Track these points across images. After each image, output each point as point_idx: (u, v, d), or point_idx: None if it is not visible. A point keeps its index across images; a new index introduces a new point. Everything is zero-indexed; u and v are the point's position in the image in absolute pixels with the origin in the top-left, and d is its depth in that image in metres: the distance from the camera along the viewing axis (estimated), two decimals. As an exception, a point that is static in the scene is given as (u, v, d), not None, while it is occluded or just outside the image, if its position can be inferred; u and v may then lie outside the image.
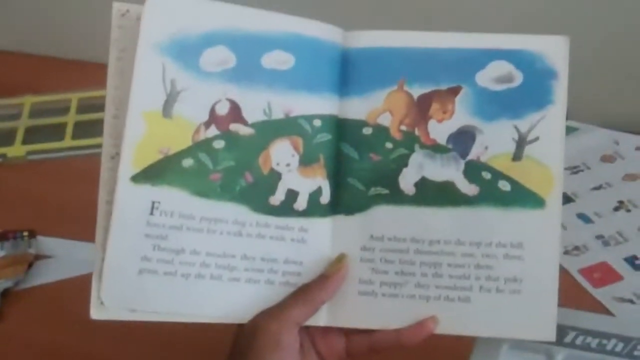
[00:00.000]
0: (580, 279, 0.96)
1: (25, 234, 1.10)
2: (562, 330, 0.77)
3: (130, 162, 0.77)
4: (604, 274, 0.97)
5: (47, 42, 1.43)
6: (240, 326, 0.77)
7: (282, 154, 0.80)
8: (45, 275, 1.07)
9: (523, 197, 0.77)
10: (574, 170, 1.08)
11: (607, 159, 1.11)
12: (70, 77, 1.36)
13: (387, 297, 0.78)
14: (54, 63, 1.40)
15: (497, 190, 0.78)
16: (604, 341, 0.78)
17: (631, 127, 1.15)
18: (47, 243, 1.10)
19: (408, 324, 0.77)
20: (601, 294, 0.94)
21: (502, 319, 0.77)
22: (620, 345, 0.78)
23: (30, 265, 1.07)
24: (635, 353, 0.77)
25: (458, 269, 0.78)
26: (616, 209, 1.04)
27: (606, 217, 1.03)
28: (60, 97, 1.33)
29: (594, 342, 0.78)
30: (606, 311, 0.93)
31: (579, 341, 0.79)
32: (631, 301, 0.93)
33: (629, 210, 1.04)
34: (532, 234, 0.77)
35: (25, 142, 1.27)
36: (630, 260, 0.98)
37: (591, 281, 0.96)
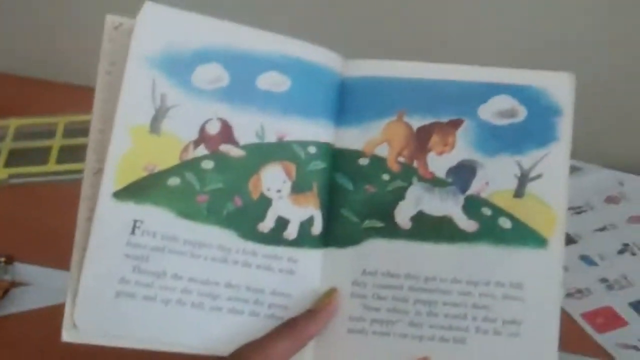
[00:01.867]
0: (583, 323, 0.92)
1: (2, 259, 1.05)
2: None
3: (113, 177, 0.73)
4: (608, 319, 0.93)
5: (34, 64, 1.39)
6: (220, 359, 0.73)
7: (273, 179, 0.76)
8: (22, 303, 1.02)
9: (524, 236, 0.74)
10: (577, 210, 1.05)
11: (611, 200, 1.08)
12: (57, 100, 1.32)
13: (378, 336, 0.75)
14: (41, 85, 1.36)
15: (497, 228, 0.74)
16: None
17: (636, 168, 1.12)
18: (25, 270, 1.05)
19: (400, 365, 0.74)
20: (605, 339, 0.91)
21: None
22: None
23: (6, 292, 1.03)
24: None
25: (454, 308, 0.74)
26: (621, 251, 1.01)
27: (610, 260, 1.00)
28: (46, 120, 1.29)
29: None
30: (610, 358, 0.89)
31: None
32: (636, 347, 0.90)
33: (634, 254, 1.00)
34: (532, 274, 0.74)
35: (7, 164, 1.22)
36: (636, 306, 0.94)
37: (594, 326, 0.92)
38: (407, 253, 0.75)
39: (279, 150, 0.77)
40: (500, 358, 0.73)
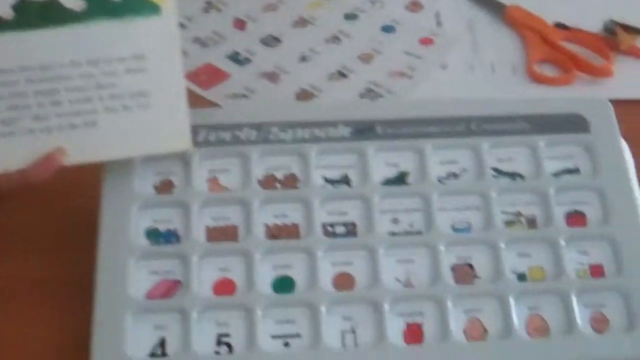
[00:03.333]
0: (188, 84, 0.92)
1: None
2: (192, 131, 0.75)
3: None
4: (211, 75, 0.94)
5: None
6: None
7: None
8: None
9: (136, 5, 0.72)
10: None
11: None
12: None
13: (1, 137, 0.70)
14: None
15: (107, 2, 0.71)
16: (237, 132, 0.77)
17: None
18: None
19: (32, 161, 0.70)
20: (213, 94, 0.92)
21: (135, 137, 0.73)
22: (254, 133, 0.77)
23: None
24: (270, 137, 0.77)
25: (78, 92, 0.71)
26: (206, 9, 1.01)
27: (198, 19, 0.99)
28: None
29: (227, 135, 0.77)
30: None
31: (212, 137, 0.77)
32: (244, 95, 0.92)
33: (219, 10, 1.01)
34: (152, 43, 0.72)
35: None
36: (233, 57, 0.96)
37: (199, 84, 0.92)
38: (16, 45, 0.70)
39: None
40: (134, 132, 0.73)
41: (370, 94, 0.92)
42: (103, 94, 0.72)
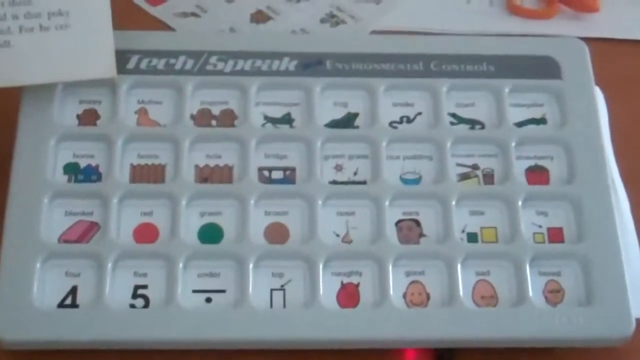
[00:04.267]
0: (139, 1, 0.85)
1: None
2: (122, 56, 0.68)
3: None
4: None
5: None
6: None
7: None
8: None
9: None
10: None
11: None
12: None
13: None
14: None
15: None
16: (172, 60, 0.70)
17: None
18: None
19: (-64, 86, 0.63)
20: (161, 11, 0.84)
21: (53, 61, 0.66)
22: (190, 62, 0.70)
23: None
24: (208, 68, 0.70)
25: (-12, 10, 0.64)
26: None
27: None
28: None
29: (160, 63, 0.70)
30: (170, 28, 0.83)
31: (144, 65, 0.70)
32: (195, 14, 0.85)
33: None
34: None
35: None
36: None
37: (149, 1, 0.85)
38: None
39: None
40: (53, 55, 0.66)
41: (332, 19, 0.85)
42: (18, 12, 0.65)
